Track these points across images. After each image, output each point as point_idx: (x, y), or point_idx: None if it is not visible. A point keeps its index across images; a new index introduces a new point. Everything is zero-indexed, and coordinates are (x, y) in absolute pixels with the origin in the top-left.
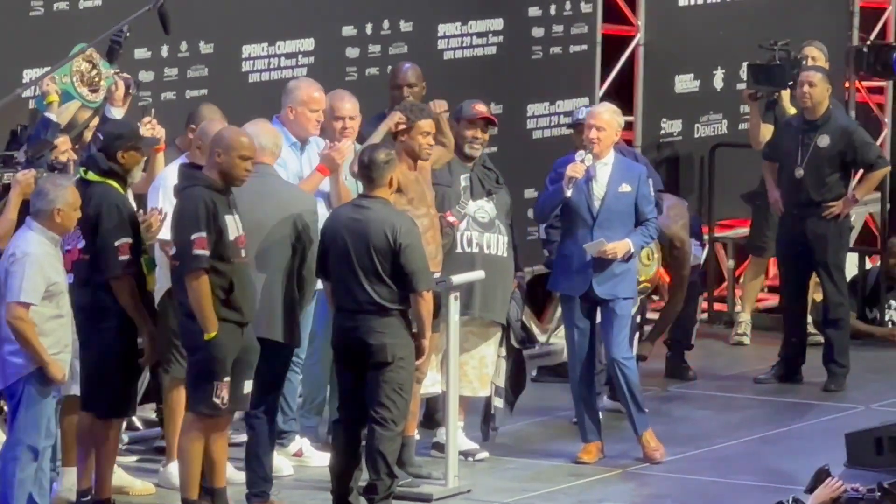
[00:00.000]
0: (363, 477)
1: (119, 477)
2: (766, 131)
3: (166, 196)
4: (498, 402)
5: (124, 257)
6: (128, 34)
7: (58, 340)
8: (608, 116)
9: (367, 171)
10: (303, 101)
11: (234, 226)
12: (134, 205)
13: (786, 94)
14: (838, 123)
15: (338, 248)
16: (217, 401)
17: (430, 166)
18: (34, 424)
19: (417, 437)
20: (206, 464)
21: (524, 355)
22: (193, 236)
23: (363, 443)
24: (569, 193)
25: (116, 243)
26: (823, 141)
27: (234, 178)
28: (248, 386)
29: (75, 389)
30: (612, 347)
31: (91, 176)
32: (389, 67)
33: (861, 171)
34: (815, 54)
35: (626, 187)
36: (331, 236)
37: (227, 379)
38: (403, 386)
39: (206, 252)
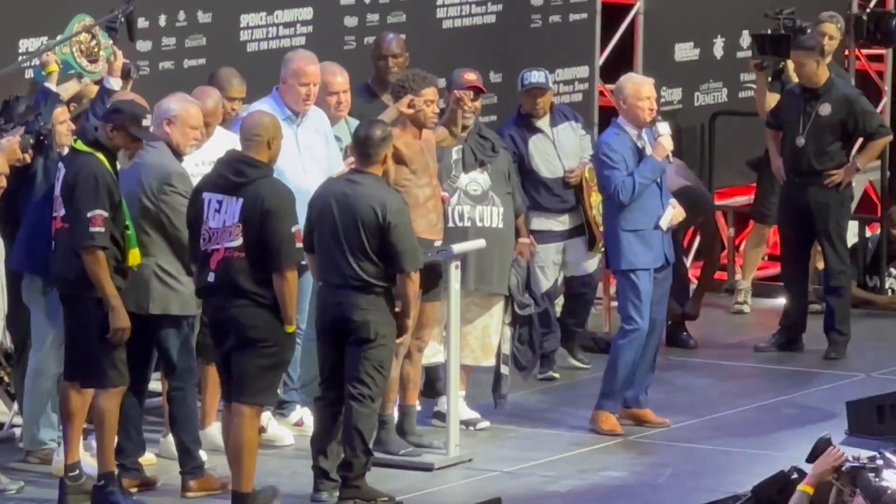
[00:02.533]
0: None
1: None
2: (773, 100)
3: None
4: (504, 370)
5: (96, 229)
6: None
7: None
8: (651, 84)
9: (363, 147)
10: (293, 74)
11: None
12: None
13: (791, 63)
14: (840, 92)
15: (325, 222)
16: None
17: (435, 141)
18: None
19: (419, 407)
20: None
21: (535, 323)
22: (293, 229)
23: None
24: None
25: (88, 214)
26: (825, 109)
27: None
28: None
29: None
30: (664, 310)
31: (79, 145)
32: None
33: (862, 140)
34: (832, 32)
35: None
36: (319, 210)
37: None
38: (384, 364)
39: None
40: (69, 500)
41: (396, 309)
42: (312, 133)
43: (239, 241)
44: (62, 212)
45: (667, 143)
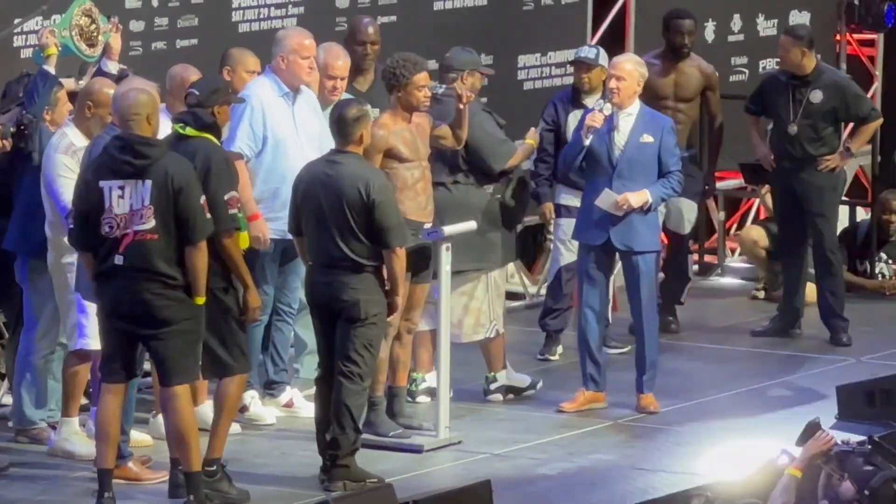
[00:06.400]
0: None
1: None
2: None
3: None
4: None
5: (233, 211)
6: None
7: None
8: (630, 67)
9: (339, 127)
10: (294, 49)
11: None
12: None
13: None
14: (830, 78)
15: (311, 204)
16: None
17: (433, 134)
18: None
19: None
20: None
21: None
22: (227, 196)
23: None
24: (587, 142)
25: (226, 197)
26: (816, 96)
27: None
28: None
29: (81, 343)
30: (632, 302)
31: (190, 131)
32: (379, 18)
33: (854, 124)
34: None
35: (648, 138)
36: (304, 192)
37: None
38: (373, 342)
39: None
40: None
41: (386, 287)
42: (307, 110)
43: (151, 224)
44: None
45: (588, 118)
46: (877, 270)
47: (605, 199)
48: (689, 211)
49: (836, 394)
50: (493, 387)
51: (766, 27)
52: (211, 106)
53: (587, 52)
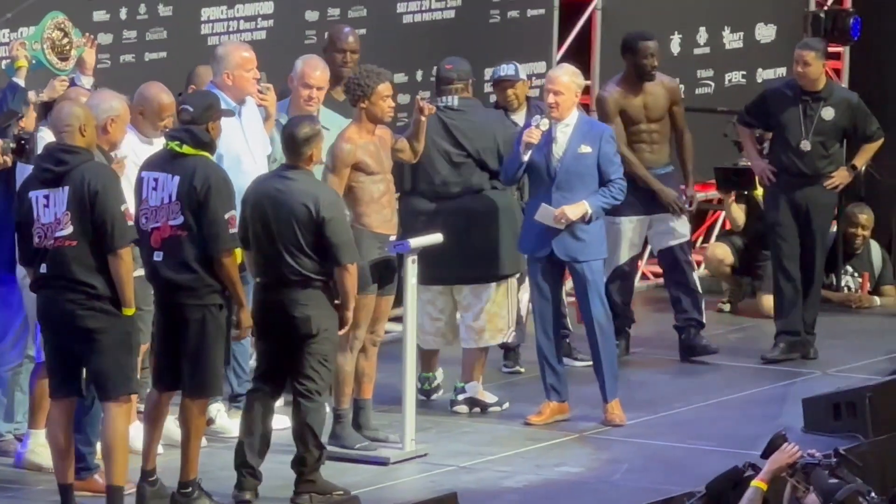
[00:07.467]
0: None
1: None
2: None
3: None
4: None
5: (233, 230)
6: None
7: None
8: (566, 80)
9: (290, 144)
10: (238, 65)
11: None
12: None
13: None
14: (842, 96)
15: (259, 219)
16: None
17: (392, 146)
18: None
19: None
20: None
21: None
22: (228, 215)
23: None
24: (525, 158)
25: (226, 216)
26: (828, 113)
27: None
28: None
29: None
30: (583, 311)
31: (186, 150)
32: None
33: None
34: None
35: (585, 148)
36: (253, 206)
37: None
38: (328, 357)
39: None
40: None
41: (336, 302)
42: (252, 119)
43: (69, 230)
44: (179, 219)
45: (525, 135)
46: (843, 283)
47: (544, 214)
48: (681, 226)
49: (802, 406)
50: (460, 397)
51: (731, 40)
52: (205, 122)
53: (506, 69)
